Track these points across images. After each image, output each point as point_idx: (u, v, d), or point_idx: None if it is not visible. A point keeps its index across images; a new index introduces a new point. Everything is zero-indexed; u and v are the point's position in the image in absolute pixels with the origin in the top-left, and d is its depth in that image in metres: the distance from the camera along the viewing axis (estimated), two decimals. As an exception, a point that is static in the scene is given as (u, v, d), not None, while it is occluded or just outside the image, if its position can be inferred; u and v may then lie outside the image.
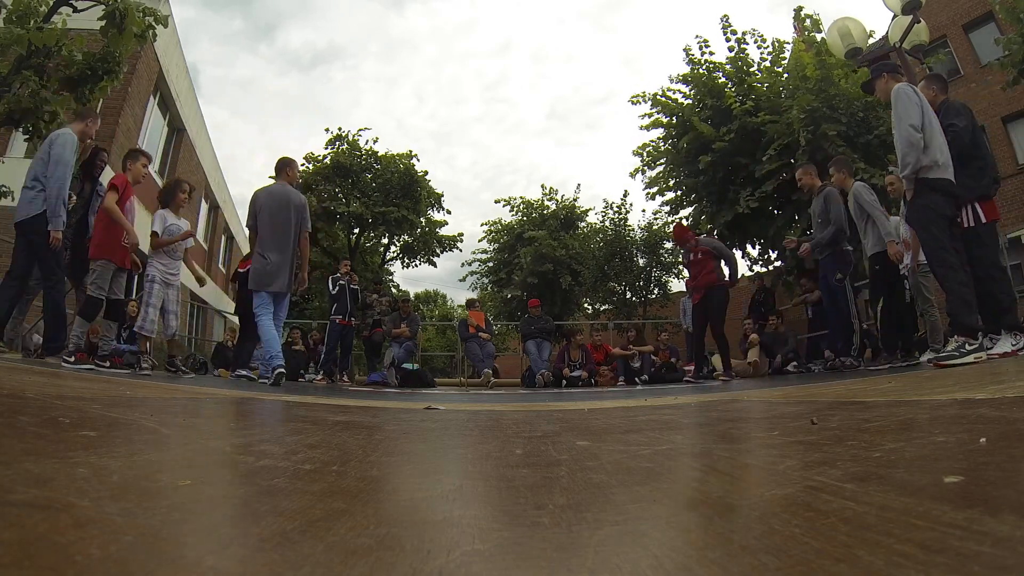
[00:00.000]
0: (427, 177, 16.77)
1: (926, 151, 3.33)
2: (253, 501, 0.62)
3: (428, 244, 17.52)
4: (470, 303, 9.53)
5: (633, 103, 10.26)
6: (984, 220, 3.75)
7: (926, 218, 3.37)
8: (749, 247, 10.32)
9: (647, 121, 10.18)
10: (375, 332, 8.73)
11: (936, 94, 4.06)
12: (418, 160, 16.77)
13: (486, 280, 18.05)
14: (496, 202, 24.03)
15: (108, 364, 4.54)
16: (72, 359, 4.19)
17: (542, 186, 28.65)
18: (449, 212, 17.73)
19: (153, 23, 5.88)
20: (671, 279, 15.29)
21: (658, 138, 10.31)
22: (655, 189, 10.71)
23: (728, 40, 9.73)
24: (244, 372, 5.49)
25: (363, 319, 8.63)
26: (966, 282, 3.29)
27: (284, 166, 4.84)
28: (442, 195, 17.29)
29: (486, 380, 7.67)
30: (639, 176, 10.67)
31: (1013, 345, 3.35)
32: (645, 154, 10.53)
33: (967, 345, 3.08)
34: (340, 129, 16.66)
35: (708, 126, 9.09)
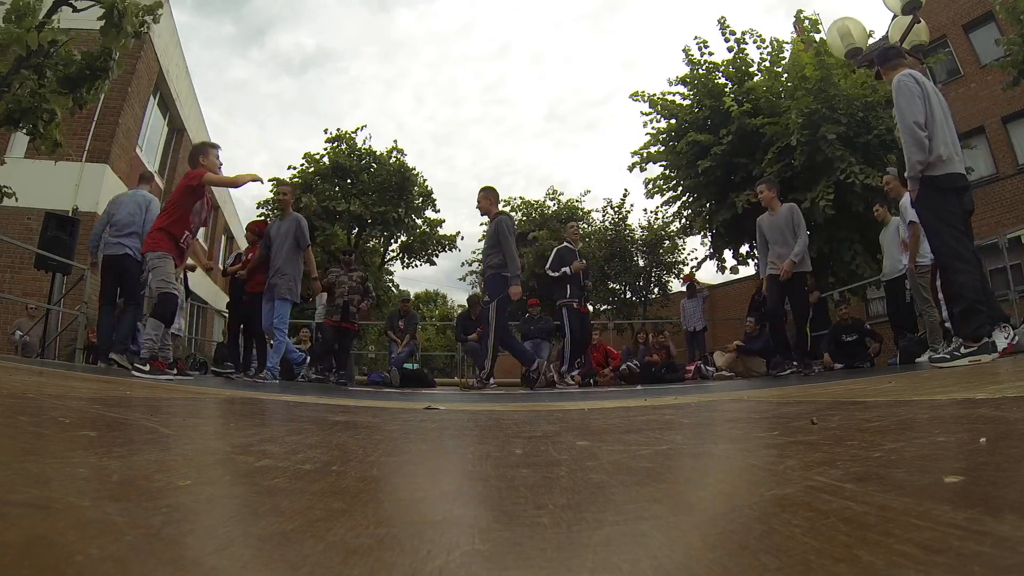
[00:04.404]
0: (415, 172, 16.73)
1: (930, 147, 3.19)
2: (253, 501, 0.62)
3: (427, 244, 17.50)
4: (472, 300, 9.50)
5: (634, 100, 10.29)
6: None
7: (934, 223, 3.26)
8: (746, 246, 10.37)
9: (647, 120, 10.22)
10: (343, 327, 7.13)
11: None
12: (402, 153, 16.70)
13: (486, 280, 18.04)
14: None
15: (175, 371, 4.18)
16: (147, 367, 3.74)
17: (550, 188, 28.55)
18: (438, 211, 17.70)
19: (150, 21, 5.89)
20: (671, 279, 15.31)
21: (657, 135, 10.30)
22: (654, 188, 10.73)
23: (727, 40, 9.73)
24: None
25: (330, 301, 7.23)
26: (975, 287, 3.13)
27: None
28: (431, 191, 17.23)
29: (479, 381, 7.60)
30: (636, 171, 10.69)
31: (1007, 338, 3.32)
32: (644, 154, 10.53)
33: (963, 348, 3.07)
34: (339, 130, 16.69)
35: (706, 134, 9.10)
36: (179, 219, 4.07)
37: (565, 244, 6.67)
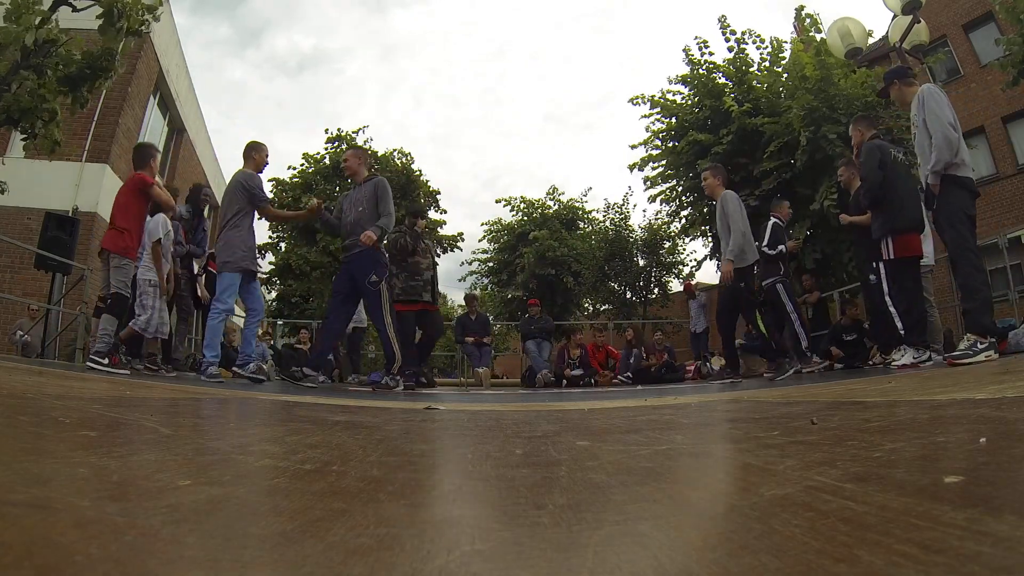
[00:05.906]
0: (418, 172, 16.72)
1: (957, 149, 3.36)
2: (253, 501, 0.62)
3: (427, 244, 17.44)
4: (469, 298, 9.44)
5: (633, 104, 10.28)
6: (893, 256, 3.92)
7: (954, 216, 3.38)
8: None
9: (648, 122, 10.22)
10: (431, 309, 5.48)
11: (863, 133, 4.31)
12: (410, 158, 16.69)
13: (486, 280, 18.03)
14: (496, 202, 23.90)
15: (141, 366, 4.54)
16: (106, 361, 4.01)
17: (550, 188, 28.30)
18: (445, 211, 17.68)
19: (151, 19, 5.89)
20: (671, 279, 15.29)
21: (656, 134, 10.29)
22: (656, 190, 10.72)
23: (727, 40, 9.72)
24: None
25: (408, 279, 5.27)
26: (987, 282, 3.33)
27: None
28: (438, 192, 17.20)
29: (484, 379, 7.61)
30: (636, 171, 10.66)
31: (915, 358, 3.79)
32: (646, 156, 10.52)
33: (979, 344, 3.09)
34: (340, 130, 16.65)
35: (706, 134, 9.09)
36: (138, 220, 4.42)
37: (776, 221, 6.05)
